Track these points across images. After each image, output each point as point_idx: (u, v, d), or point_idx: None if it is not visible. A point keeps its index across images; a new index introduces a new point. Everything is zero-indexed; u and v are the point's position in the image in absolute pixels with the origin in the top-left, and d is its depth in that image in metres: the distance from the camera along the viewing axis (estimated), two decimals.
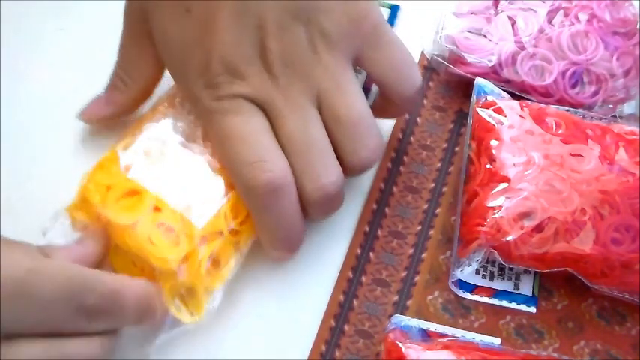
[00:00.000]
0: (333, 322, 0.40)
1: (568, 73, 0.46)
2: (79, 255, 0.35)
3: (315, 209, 0.38)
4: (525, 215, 0.40)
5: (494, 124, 0.43)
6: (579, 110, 0.45)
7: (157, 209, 0.36)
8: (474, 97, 0.45)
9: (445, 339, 0.38)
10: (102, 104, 0.43)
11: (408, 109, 0.46)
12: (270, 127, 0.37)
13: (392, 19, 0.51)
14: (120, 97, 0.42)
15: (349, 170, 0.39)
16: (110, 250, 0.37)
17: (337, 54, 0.38)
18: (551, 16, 0.48)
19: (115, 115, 0.43)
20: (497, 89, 0.46)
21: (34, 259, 0.32)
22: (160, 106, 0.40)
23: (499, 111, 0.43)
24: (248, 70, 0.37)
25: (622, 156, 0.42)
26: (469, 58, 0.47)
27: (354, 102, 0.38)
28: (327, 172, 0.37)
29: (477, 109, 0.44)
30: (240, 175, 0.37)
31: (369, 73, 0.40)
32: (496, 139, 0.42)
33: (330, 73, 0.38)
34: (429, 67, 0.50)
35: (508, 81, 0.47)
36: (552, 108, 0.44)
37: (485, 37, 0.47)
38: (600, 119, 0.45)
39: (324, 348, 0.40)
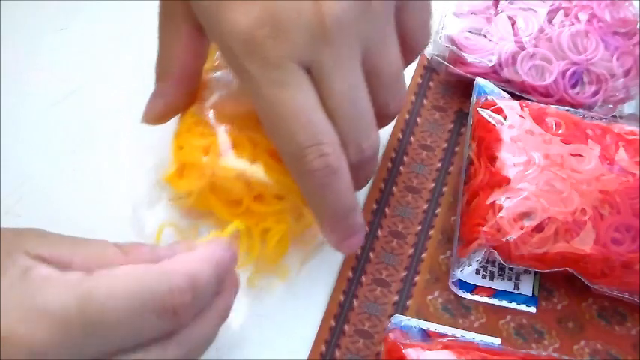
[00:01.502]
0: (333, 322, 0.40)
1: (568, 73, 0.46)
2: (164, 255, 0.32)
3: (353, 172, 0.36)
4: (525, 215, 0.40)
5: (495, 124, 0.43)
6: (579, 110, 0.45)
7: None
8: (474, 97, 0.45)
9: (445, 339, 0.38)
10: (154, 99, 0.40)
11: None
12: (319, 100, 0.34)
13: None
14: (167, 87, 0.40)
15: (378, 121, 0.37)
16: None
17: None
18: (551, 16, 0.48)
19: (169, 108, 0.40)
20: (497, 89, 0.46)
21: (83, 278, 0.28)
22: (214, 62, 0.41)
23: (499, 111, 0.44)
24: (297, 27, 0.34)
25: (622, 156, 0.42)
26: (469, 58, 0.47)
27: (395, 55, 0.37)
28: (368, 135, 0.36)
29: (477, 109, 0.44)
30: (294, 158, 0.35)
31: (403, 23, 0.37)
32: (496, 139, 0.42)
33: (379, 24, 0.35)
34: (429, 67, 0.50)
35: (508, 81, 0.47)
36: (552, 108, 0.44)
37: (485, 37, 0.47)
38: (600, 119, 0.45)
39: (324, 348, 0.40)
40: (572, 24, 0.47)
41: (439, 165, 0.46)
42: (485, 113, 0.44)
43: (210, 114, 0.39)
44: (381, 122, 0.38)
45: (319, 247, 0.41)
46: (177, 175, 0.39)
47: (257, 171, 0.37)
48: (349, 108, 0.35)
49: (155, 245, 0.33)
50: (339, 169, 0.35)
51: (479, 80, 0.46)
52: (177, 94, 0.40)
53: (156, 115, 0.40)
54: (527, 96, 0.46)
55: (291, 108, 0.34)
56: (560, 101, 0.46)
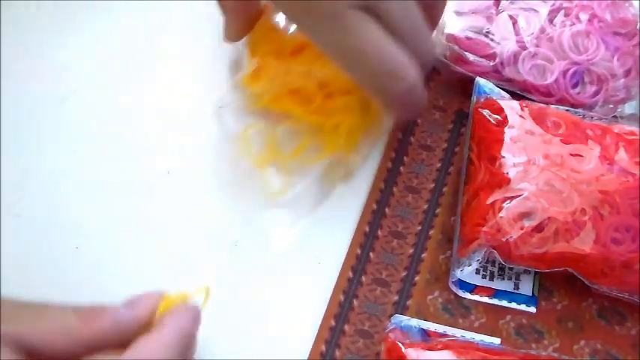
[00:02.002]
0: (333, 322, 0.40)
1: (569, 73, 0.46)
2: (126, 321, 0.33)
3: None
4: (525, 215, 0.40)
5: (495, 123, 0.43)
6: (579, 110, 0.45)
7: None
8: (474, 97, 0.45)
9: (445, 339, 0.38)
10: (225, 27, 0.45)
11: None
12: (383, 30, 0.38)
13: None
14: (231, 17, 0.44)
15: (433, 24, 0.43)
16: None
17: None
18: (552, 15, 0.48)
19: (239, 31, 0.45)
20: (497, 89, 0.46)
21: None
22: None
23: (499, 111, 0.43)
24: None
25: (622, 156, 0.42)
26: (470, 57, 0.47)
27: None
28: (427, 45, 0.40)
29: (477, 109, 0.44)
30: (377, 89, 0.39)
31: None
32: (496, 139, 0.42)
33: None
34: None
35: (509, 80, 0.46)
36: (552, 108, 0.44)
37: (486, 36, 0.47)
38: (600, 119, 0.45)
39: (324, 348, 0.40)
40: (573, 24, 0.47)
41: (439, 165, 0.46)
42: (485, 113, 0.44)
43: (280, 21, 0.44)
44: (435, 20, 0.43)
45: (385, 134, 0.46)
46: (253, 78, 0.43)
47: (325, 69, 0.42)
48: (410, 29, 0.39)
49: (115, 308, 0.33)
50: (416, 83, 0.39)
51: (479, 80, 0.46)
52: (241, 20, 0.45)
53: (230, 37, 0.45)
54: (529, 95, 0.46)
55: (361, 48, 0.37)
56: (561, 101, 0.46)
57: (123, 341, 0.32)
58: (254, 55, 0.44)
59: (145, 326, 0.33)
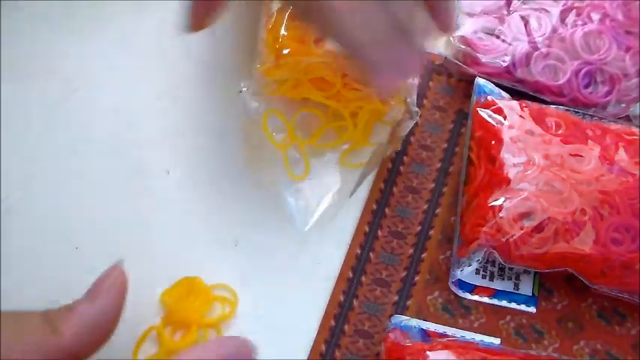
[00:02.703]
0: (333, 322, 0.40)
1: (581, 73, 0.46)
2: (92, 317, 0.31)
3: None
4: (525, 215, 0.40)
5: (494, 124, 0.43)
6: (579, 110, 0.45)
7: None
8: (473, 97, 0.45)
9: (445, 339, 0.38)
10: (190, 16, 0.42)
11: None
12: None
13: None
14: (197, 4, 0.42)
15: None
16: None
17: None
18: (563, 15, 0.48)
19: (199, 24, 0.42)
20: (497, 89, 0.46)
21: None
22: None
23: (499, 111, 0.43)
24: None
25: (622, 156, 0.42)
26: (483, 58, 0.47)
27: None
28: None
29: (477, 109, 0.44)
30: (345, 41, 0.36)
31: None
32: (496, 140, 0.42)
33: None
34: (428, 68, 0.49)
35: (522, 81, 0.46)
36: (552, 108, 0.44)
37: (498, 37, 0.47)
38: (601, 119, 0.45)
39: (324, 348, 0.40)
40: (585, 23, 0.47)
41: (439, 165, 0.46)
42: (485, 113, 0.44)
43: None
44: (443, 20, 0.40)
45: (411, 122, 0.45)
46: (274, 66, 0.43)
47: (346, 61, 0.42)
48: None
49: (79, 303, 0.32)
50: (382, 33, 0.35)
51: (479, 80, 0.46)
52: (205, 16, 0.41)
53: (193, 26, 0.41)
54: (541, 96, 0.46)
55: (338, 9, 0.35)
56: (574, 101, 0.46)
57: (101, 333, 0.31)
58: (275, 41, 0.44)
59: (118, 312, 0.32)
